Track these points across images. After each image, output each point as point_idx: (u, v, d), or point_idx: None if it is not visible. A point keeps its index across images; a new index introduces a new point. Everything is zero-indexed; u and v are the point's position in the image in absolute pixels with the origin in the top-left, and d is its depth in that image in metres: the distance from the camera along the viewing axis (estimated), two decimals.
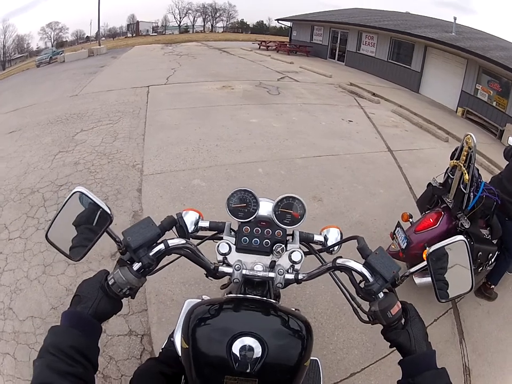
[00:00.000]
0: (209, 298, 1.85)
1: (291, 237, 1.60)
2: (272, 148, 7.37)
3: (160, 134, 7.81)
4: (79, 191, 1.24)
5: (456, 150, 4.02)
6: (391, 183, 6.66)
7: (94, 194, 1.23)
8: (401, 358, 1.25)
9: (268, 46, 26.45)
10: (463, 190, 3.80)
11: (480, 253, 3.80)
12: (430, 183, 4.39)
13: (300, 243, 1.61)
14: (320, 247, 1.69)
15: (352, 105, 11.72)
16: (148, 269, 1.29)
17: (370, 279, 1.29)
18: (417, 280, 3.79)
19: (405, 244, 3.81)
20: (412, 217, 4.32)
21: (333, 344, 3.48)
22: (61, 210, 1.24)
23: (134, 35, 45.52)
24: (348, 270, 1.36)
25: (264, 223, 1.52)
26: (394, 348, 1.27)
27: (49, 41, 38.22)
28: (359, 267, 1.32)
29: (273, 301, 1.45)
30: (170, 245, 1.32)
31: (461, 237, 1.28)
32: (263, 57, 21.27)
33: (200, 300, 1.69)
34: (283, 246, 1.46)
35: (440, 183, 4.27)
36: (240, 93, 11.71)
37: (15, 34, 34.58)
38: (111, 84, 13.02)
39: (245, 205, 1.51)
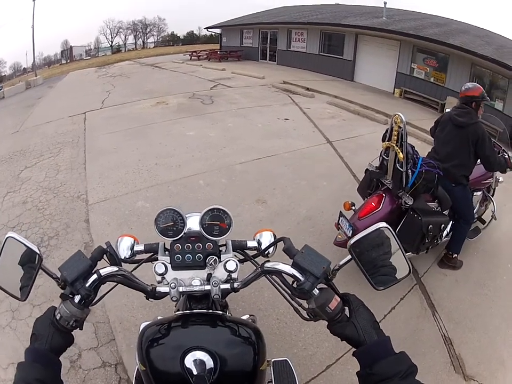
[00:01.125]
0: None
1: (224, 247, 1.62)
2: (211, 158, 7.37)
3: (100, 160, 7.67)
4: (11, 237, 1.31)
5: (386, 131, 4.15)
6: (334, 174, 6.77)
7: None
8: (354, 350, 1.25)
9: (199, 56, 26.52)
10: (400, 168, 3.91)
11: (430, 226, 3.87)
12: (367, 169, 4.53)
13: (235, 251, 1.67)
14: (255, 252, 1.71)
15: (286, 103, 11.89)
16: (88, 300, 1.31)
17: (301, 278, 1.29)
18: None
19: (351, 231, 3.88)
20: (354, 205, 4.38)
21: (301, 341, 3.50)
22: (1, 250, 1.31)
23: (68, 61, 44.82)
24: (277, 272, 1.37)
25: (193, 238, 1.52)
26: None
27: None
28: (287, 268, 1.33)
29: (220, 312, 1.50)
30: (102, 274, 1.33)
31: (382, 224, 1.29)
32: (194, 68, 21.31)
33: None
34: (215, 257, 1.48)
35: (376, 166, 4.39)
36: (175, 107, 11.68)
37: None
38: (49, 114, 12.59)
39: (172, 223, 1.52)
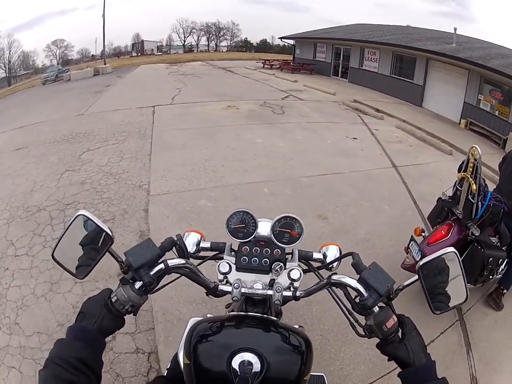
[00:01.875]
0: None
1: (290, 255, 1.63)
2: (278, 168, 7.44)
3: (166, 154, 7.89)
4: (82, 214, 1.33)
5: (462, 163, 4.16)
6: (396, 199, 6.70)
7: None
8: (400, 370, 1.27)
9: (272, 65, 26.65)
10: (472, 200, 3.94)
11: (491, 259, 3.91)
12: (439, 198, 4.54)
13: (300, 261, 1.65)
14: (319, 264, 1.72)
15: (356, 122, 11.80)
16: (149, 288, 1.34)
17: (365, 294, 1.31)
18: None
19: (419, 256, 3.90)
20: (424, 232, 4.46)
21: (340, 360, 3.51)
22: (65, 232, 1.32)
23: (139, 54, 46.00)
24: (342, 285, 1.39)
25: (263, 243, 1.55)
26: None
27: (54, 59, 38.91)
28: (353, 283, 1.35)
29: (274, 318, 1.50)
30: (170, 265, 1.37)
31: (451, 249, 1.32)
32: (267, 76, 21.45)
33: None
34: (281, 264, 1.49)
35: (449, 196, 4.40)
36: (245, 112, 11.81)
37: (20, 50, 35.23)
38: (117, 103, 13.21)
39: (243, 225, 1.55)
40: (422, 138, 10.84)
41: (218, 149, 8.28)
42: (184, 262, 1.41)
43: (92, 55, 41.68)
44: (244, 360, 1.24)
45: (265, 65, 26.98)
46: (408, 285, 1.34)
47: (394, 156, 8.89)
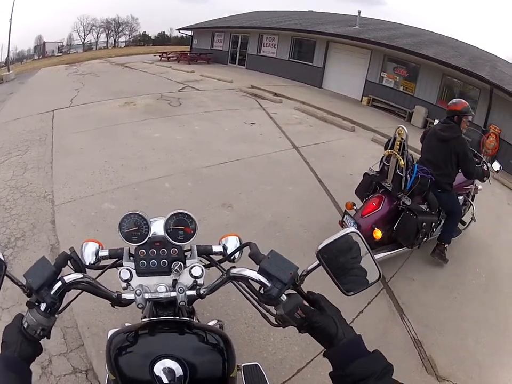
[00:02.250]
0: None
1: (189, 252, 1.58)
2: (177, 161, 7.33)
3: (67, 159, 7.50)
4: None
5: (389, 141, 4.69)
6: (299, 179, 6.83)
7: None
8: (325, 350, 1.20)
9: (169, 57, 26.25)
10: (400, 173, 4.48)
11: (424, 223, 4.40)
12: (366, 173, 5.04)
13: (201, 256, 1.61)
14: (220, 257, 1.68)
15: (254, 108, 11.92)
16: (54, 308, 1.25)
17: (268, 285, 1.26)
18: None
19: (355, 227, 3.97)
20: (355, 205, 4.88)
21: (271, 345, 3.50)
22: None
23: (40, 57, 43.96)
24: (243, 278, 1.35)
25: (158, 243, 1.48)
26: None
27: None
28: (253, 274, 1.31)
29: (187, 319, 1.47)
30: (67, 281, 1.28)
31: (351, 229, 1.29)
32: (164, 69, 21.10)
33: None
34: (180, 263, 1.44)
35: (377, 171, 4.92)
36: (142, 108, 11.56)
37: None
38: (19, 111, 12.19)
39: (136, 228, 1.47)
40: (323, 118, 11.15)
41: (117, 148, 8.01)
42: (82, 276, 1.33)
43: None
44: (165, 368, 1.22)
45: (162, 58, 26.51)
46: (312, 269, 1.31)
47: (294, 138, 9.07)
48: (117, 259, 1.64)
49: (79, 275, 1.32)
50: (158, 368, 1.21)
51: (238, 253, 1.63)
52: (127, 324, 1.93)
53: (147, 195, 6.03)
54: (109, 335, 1.78)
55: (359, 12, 18.35)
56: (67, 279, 1.28)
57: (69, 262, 1.41)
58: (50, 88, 16.81)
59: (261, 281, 1.28)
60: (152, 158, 7.45)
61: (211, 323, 2.06)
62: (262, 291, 1.30)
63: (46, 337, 1.26)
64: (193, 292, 1.39)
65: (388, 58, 14.63)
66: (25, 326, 1.21)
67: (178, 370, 1.21)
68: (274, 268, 1.27)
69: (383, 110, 13.87)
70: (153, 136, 8.83)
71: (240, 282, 1.41)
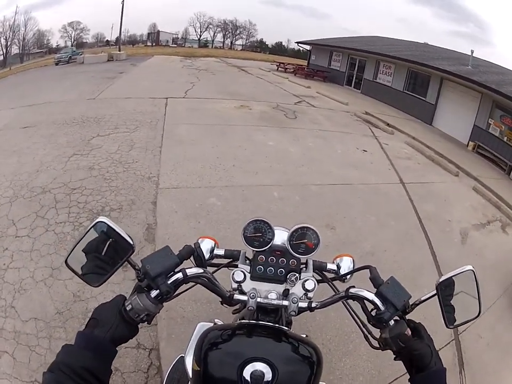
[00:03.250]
0: (221, 322, 1.98)
1: (304, 265, 1.60)
2: (288, 173, 7.40)
3: (178, 148, 7.84)
4: (102, 221, 1.27)
5: None
6: (401, 215, 6.68)
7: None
8: (413, 374, 1.26)
9: (286, 68, 26.57)
10: None
11: None
12: None
13: (313, 271, 1.62)
14: (333, 275, 1.71)
15: (367, 135, 11.74)
16: (166, 296, 1.31)
17: (382, 308, 1.31)
18: None
19: None
20: None
21: (340, 370, 3.51)
22: (82, 238, 1.26)
23: (153, 44, 45.95)
24: (360, 299, 1.38)
25: (279, 252, 1.51)
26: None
27: (69, 40, 38.95)
28: (371, 296, 1.34)
29: (285, 328, 1.46)
30: (188, 274, 1.34)
31: (469, 267, 1.34)
32: (280, 79, 21.31)
33: (213, 324, 1.80)
34: (297, 275, 1.47)
35: None
36: (258, 114, 11.74)
37: (36, 28, 35.13)
38: (130, 91, 13.14)
39: (260, 234, 1.50)
40: (430, 157, 10.79)
41: (230, 148, 8.23)
42: (203, 271, 1.39)
43: (107, 40, 41.69)
44: (256, 370, 1.22)
45: (279, 68, 26.92)
46: (424, 300, 1.36)
47: (402, 172, 8.87)
48: (231, 260, 1.69)
49: (200, 270, 1.38)
50: (248, 370, 1.22)
51: (351, 274, 1.66)
52: (216, 320, 2.03)
53: (255, 200, 6.16)
54: (197, 328, 1.92)
55: (472, 52, 17.60)
56: (189, 272, 1.34)
57: (191, 256, 1.48)
58: (164, 76, 17.58)
59: (376, 303, 1.32)
60: (263, 165, 7.57)
61: None
62: (373, 313, 1.34)
63: (146, 322, 1.31)
64: (305, 304, 1.40)
65: (496, 105, 13.81)
66: (127, 308, 1.24)
67: (268, 375, 1.21)
68: (391, 294, 1.32)
69: (486, 159, 13.19)
70: (267, 143, 8.97)
71: (349, 303, 1.46)
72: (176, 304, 3.83)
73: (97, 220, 1.27)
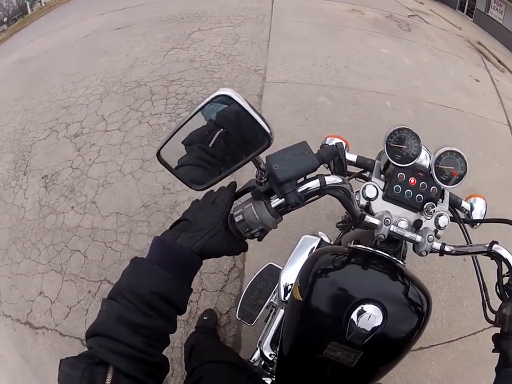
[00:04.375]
0: (326, 238, 1.79)
1: (441, 197, 1.29)
2: (402, 84, 6.74)
3: (286, 43, 7.30)
4: (225, 95, 0.80)
5: None
6: (507, 161, 6.02)
7: (210, 93, 0.76)
8: (499, 365, 1.05)
9: None
10: None
11: None
12: None
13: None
14: (464, 216, 1.44)
15: (479, 65, 10.72)
16: (291, 208, 0.98)
17: None
18: None
19: None
20: None
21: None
22: (188, 120, 0.85)
23: None
24: (500, 260, 1.12)
25: (422, 174, 1.22)
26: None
27: None
28: None
29: (403, 264, 1.26)
30: (327, 183, 0.99)
31: None
32: None
33: (319, 239, 1.67)
34: (435, 206, 1.19)
35: None
36: (371, 20, 10.78)
37: None
38: None
39: (405, 146, 1.22)
40: None
41: (342, 49, 7.55)
42: (342, 181, 1.02)
43: None
44: (366, 313, 1.05)
45: None
46: None
47: (510, 114, 7.91)
48: (362, 170, 1.40)
49: (339, 179, 1.02)
50: (358, 311, 1.05)
51: (488, 223, 1.39)
52: (320, 233, 1.84)
53: (366, 105, 5.65)
54: (301, 240, 1.71)
55: None
56: (328, 180, 0.99)
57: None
58: None
59: None
60: (377, 71, 6.93)
61: None
62: (505, 280, 1.10)
63: (257, 239, 1.00)
64: (438, 246, 1.15)
65: None
66: (236, 220, 0.95)
67: (378, 320, 1.05)
68: None
69: None
70: (380, 50, 8.20)
71: (478, 258, 1.24)
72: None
73: (218, 93, 0.81)
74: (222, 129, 0.87)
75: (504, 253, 1.11)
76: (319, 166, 1.01)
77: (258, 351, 1.79)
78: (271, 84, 5.66)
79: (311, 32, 8.27)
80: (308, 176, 0.99)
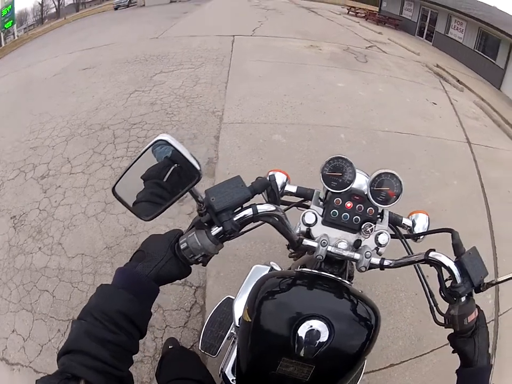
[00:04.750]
0: (277, 266, 1.86)
1: (380, 216, 1.40)
2: (356, 116, 6.99)
3: (244, 83, 7.59)
4: (163, 140, 0.97)
5: None
6: (465, 177, 6.24)
7: (170, 134, 0.96)
8: (460, 365, 1.18)
9: (357, 13, 25.27)
10: None
11: None
12: None
13: (389, 225, 1.44)
14: (406, 232, 1.53)
15: (437, 88, 11.05)
16: (229, 235, 1.10)
17: (459, 280, 1.14)
18: None
19: None
20: None
21: (382, 329, 3.27)
22: (136, 160, 1.00)
23: None
24: (438, 265, 1.19)
25: (357, 197, 1.32)
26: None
27: None
28: (451, 265, 1.16)
29: (348, 283, 1.33)
30: (259, 211, 1.11)
31: None
32: (351, 23, 20.28)
33: (269, 268, 1.75)
34: (373, 225, 1.28)
35: None
36: (328, 54, 11.16)
37: None
38: (194, 30, 12.84)
39: (340, 174, 1.32)
40: (497, 122, 10.01)
41: (298, 86, 7.86)
42: (275, 208, 1.15)
43: None
44: (313, 329, 1.13)
45: (350, 12, 25.62)
46: (502, 281, 1.18)
47: (469, 132, 8.24)
48: (303, 199, 1.51)
49: (273, 207, 1.14)
50: (304, 327, 1.12)
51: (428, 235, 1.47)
52: (272, 263, 1.89)
53: (320, 140, 5.86)
54: (252, 270, 1.79)
55: None
56: (260, 208, 1.11)
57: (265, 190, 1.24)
58: (231, 15, 17.14)
59: (454, 274, 1.15)
60: (332, 105, 7.19)
61: None
62: (448, 284, 1.18)
63: (201, 264, 1.13)
64: (377, 261, 1.24)
65: None
66: (182, 247, 1.06)
67: (324, 335, 1.11)
68: (470, 266, 1.15)
69: None
70: (336, 84, 8.51)
71: (420, 266, 1.32)
72: (233, 241, 3.72)
73: (158, 138, 0.98)
74: (176, 165, 1.01)
75: (442, 259, 1.18)
76: (252, 197, 1.13)
77: (221, 378, 1.84)
78: (228, 125, 5.85)
79: (269, 71, 8.56)
80: (246, 205, 1.11)
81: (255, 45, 10.97)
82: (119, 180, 1.03)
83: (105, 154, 4.99)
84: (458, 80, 12.73)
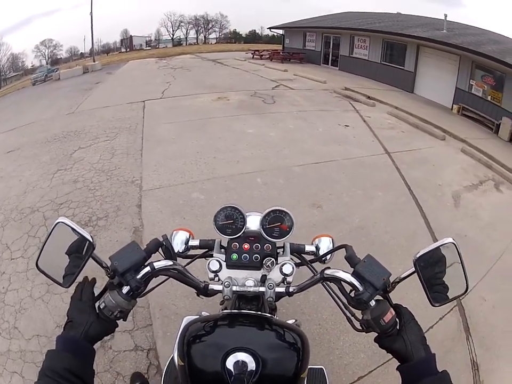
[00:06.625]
0: (207, 314, 1.92)
1: (282, 249, 1.59)
2: (270, 158, 7.37)
3: (158, 148, 7.83)
4: (61, 222, 1.25)
5: None
6: (389, 185, 6.66)
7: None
8: (399, 364, 1.24)
9: (262, 55, 26.36)
10: None
11: None
12: None
13: (292, 254, 1.61)
14: (312, 257, 1.69)
15: (347, 110, 11.70)
16: (137, 292, 1.30)
17: (360, 288, 1.27)
18: None
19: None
20: None
21: (339, 349, 3.47)
22: (47, 240, 1.25)
23: (127, 50, 45.48)
24: (336, 280, 1.34)
25: (252, 238, 1.50)
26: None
27: (43, 59, 38.25)
28: (347, 277, 1.31)
29: (268, 315, 1.45)
30: (156, 267, 1.32)
31: (450, 239, 1.27)
32: (257, 67, 21.21)
33: (198, 317, 1.74)
34: (273, 259, 1.44)
35: None
36: (236, 103, 11.71)
37: (9, 52, 34.51)
38: (107, 100, 13.10)
39: (232, 221, 1.50)
40: (415, 125, 10.78)
41: (210, 141, 8.22)
42: (172, 263, 1.37)
43: (81, 53, 40.98)
44: (238, 361, 1.22)
45: (254, 56, 26.66)
46: (405, 278, 1.31)
47: (386, 143, 8.84)
48: (207, 250, 1.68)
49: (169, 262, 1.36)
50: (231, 361, 1.21)
51: (330, 254, 1.65)
52: (203, 312, 2.03)
53: (238, 188, 6.14)
54: (183, 322, 1.82)
55: (446, 16, 17.50)
56: (156, 265, 1.32)
57: (160, 249, 1.45)
58: (140, 80, 17.60)
59: (354, 284, 1.29)
60: (245, 153, 7.55)
61: (289, 322, 2.01)
62: (352, 294, 1.31)
63: (122, 319, 1.30)
64: (282, 289, 1.39)
65: (476, 66, 13.65)
66: (101, 307, 1.25)
67: (251, 365, 1.21)
68: (368, 273, 1.27)
69: (472, 120, 13.05)
70: (247, 131, 8.93)
71: (330, 284, 1.42)
72: (169, 301, 3.84)
73: (57, 221, 1.26)
74: (73, 239, 1.26)
75: (338, 274, 1.32)
76: (149, 256, 1.34)
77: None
78: (148, 192, 6.00)
79: (180, 131, 8.89)
80: (145, 264, 1.32)
81: (165, 107, 11.34)
82: (38, 257, 1.25)
83: (39, 237, 4.96)
84: (369, 97, 13.50)
